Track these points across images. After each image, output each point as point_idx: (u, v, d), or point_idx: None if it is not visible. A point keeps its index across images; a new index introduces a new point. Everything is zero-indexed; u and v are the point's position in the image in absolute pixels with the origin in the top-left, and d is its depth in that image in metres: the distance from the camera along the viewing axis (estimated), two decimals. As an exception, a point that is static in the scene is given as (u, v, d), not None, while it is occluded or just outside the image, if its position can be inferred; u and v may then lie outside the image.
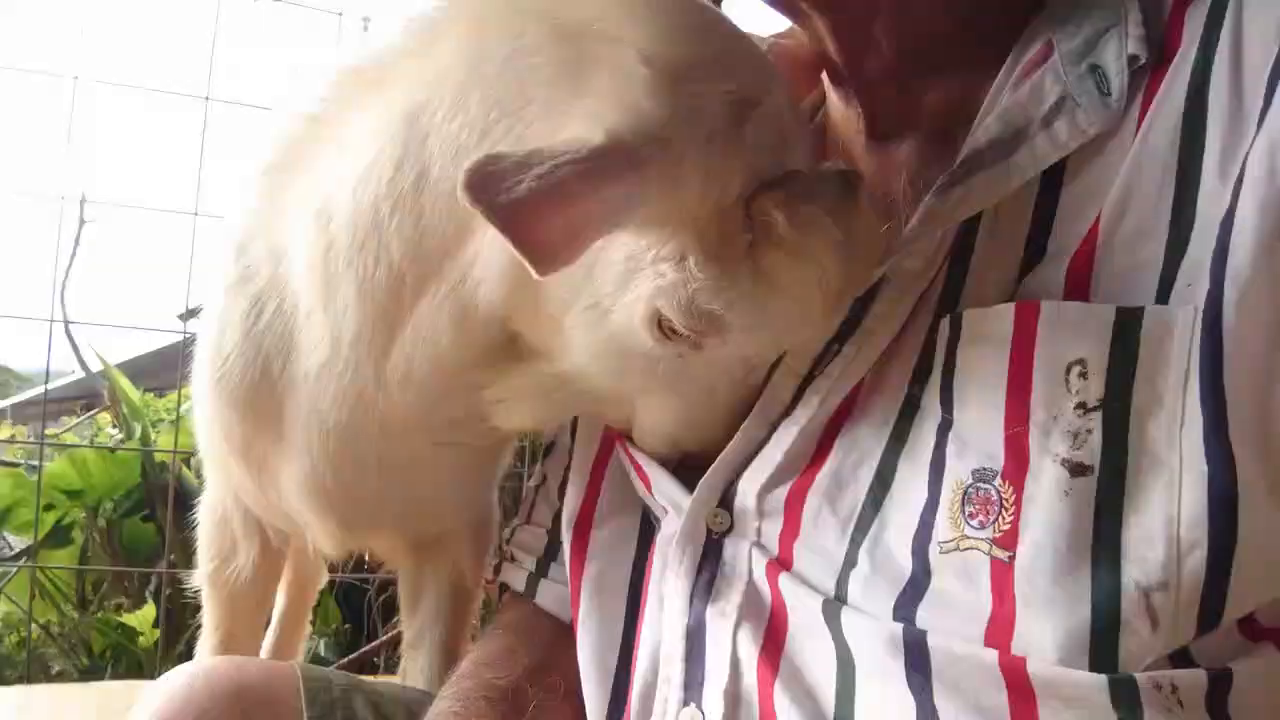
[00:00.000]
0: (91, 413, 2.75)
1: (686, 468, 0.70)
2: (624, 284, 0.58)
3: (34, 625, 2.34)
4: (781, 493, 0.62)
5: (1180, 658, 0.51)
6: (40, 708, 1.54)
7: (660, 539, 0.70)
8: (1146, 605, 0.49)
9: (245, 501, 0.92)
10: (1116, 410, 0.51)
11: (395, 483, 0.80)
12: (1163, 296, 0.52)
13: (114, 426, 2.84)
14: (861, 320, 0.62)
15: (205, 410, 0.83)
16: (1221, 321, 0.50)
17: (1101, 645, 0.49)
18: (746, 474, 0.64)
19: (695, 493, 0.66)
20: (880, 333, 0.62)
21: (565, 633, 0.76)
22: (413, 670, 0.99)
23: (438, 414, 0.74)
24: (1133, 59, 0.58)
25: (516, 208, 0.45)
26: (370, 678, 1.80)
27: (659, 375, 0.63)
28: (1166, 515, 0.49)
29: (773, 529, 0.63)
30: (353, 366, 0.71)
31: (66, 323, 1.84)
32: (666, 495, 0.69)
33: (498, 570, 0.89)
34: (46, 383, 1.87)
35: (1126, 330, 0.51)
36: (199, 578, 1.02)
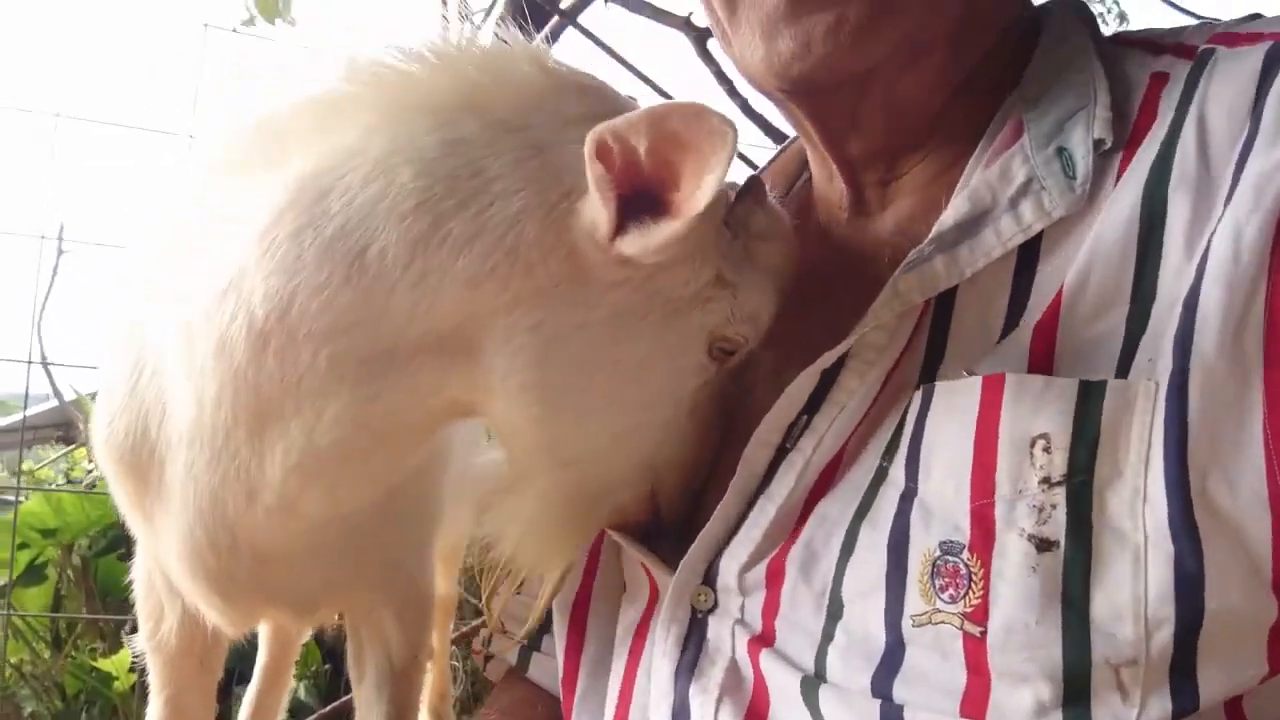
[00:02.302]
0: (69, 449, 2.70)
1: (674, 545, 0.69)
2: (665, 329, 0.61)
3: (6, 666, 2.30)
4: (761, 568, 0.62)
5: None
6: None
7: (652, 619, 0.68)
8: (1116, 679, 0.50)
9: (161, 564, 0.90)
10: (1080, 485, 0.51)
11: (270, 561, 0.76)
12: (1123, 368, 0.53)
13: (90, 461, 2.80)
14: (828, 393, 0.63)
15: (103, 466, 0.81)
16: (1187, 406, 0.50)
17: (1074, 716, 0.50)
18: (728, 551, 0.64)
19: (677, 573, 0.65)
20: (849, 405, 0.62)
21: (559, 717, 0.75)
22: None
23: (306, 503, 0.69)
24: (1098, 143, 0.58)
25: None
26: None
27: (680, 420, 0.66)
28: (1134, 593, 0.50)
29: (755, 605, 0.62)
30: (222, 433, 0.66)
31: (46, 364, 1.81)
32: (657, 576, 0.69)
33: (488, 642, 0.87)
34: (23, 425, 1.84)
35: (1089, 404, 0.52)
36: (139, 641, 1.00)
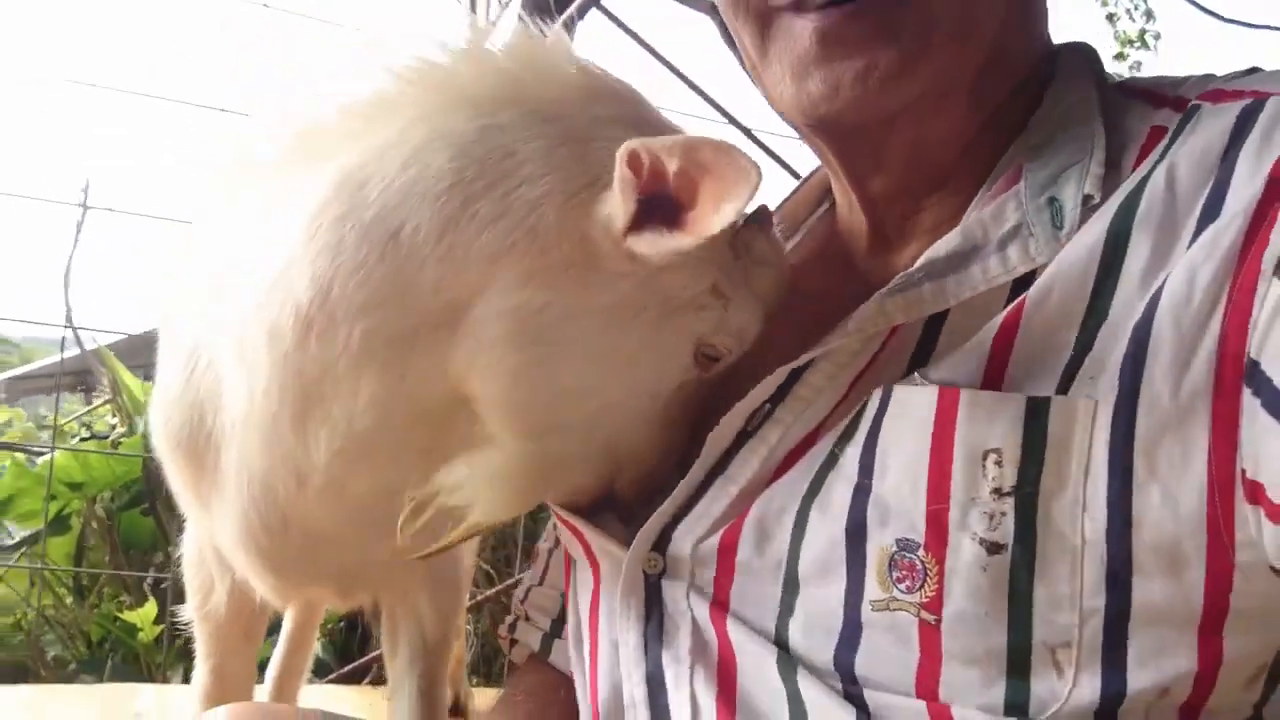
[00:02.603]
0: (93, 405, 2.76)
1: (619, 520, 0.73)
2: (659, 327, 0.65)
3: (32, 611, 2.38)
4: (714, 541, 0.66)
5: None
6: (44, 707, 1.58)
7: (602, 589, 0.73)
8: (1052, 658, 0.56)
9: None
10: (1027, 496, 0.56)
11: (318, 546, 0.81)
12: (1066, 382, 0.57)
13: (113, 416, 2.87)
14: (793, 388, 0.67)
15: (160, 451, 0.86)
16: (1135, 426, 0.54)
17: (1015, 690, 0.57)
18: (683, 525, 0.68)
19: (633, 545, 0.69)
20: (815, 402, 0.66)
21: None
22: (395, 717, 1.03)
23: (350, 482, 0.74)
24: (1087, 198, 0.62)
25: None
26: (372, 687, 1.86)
27: (654, 414, 0.70)
28: (1071, 589, 0.55)
29: (707, 574, 0.66)
30: (270, 417, 0.70)
31: (74, 328, 1.86)
32: (601, 548, 0.73)
33: (513, 628, 0.93)
34: (58, 391, 1.89)
35: (1035, 419, 0.57)
36: (187, 611, 1.05)
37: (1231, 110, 0.60)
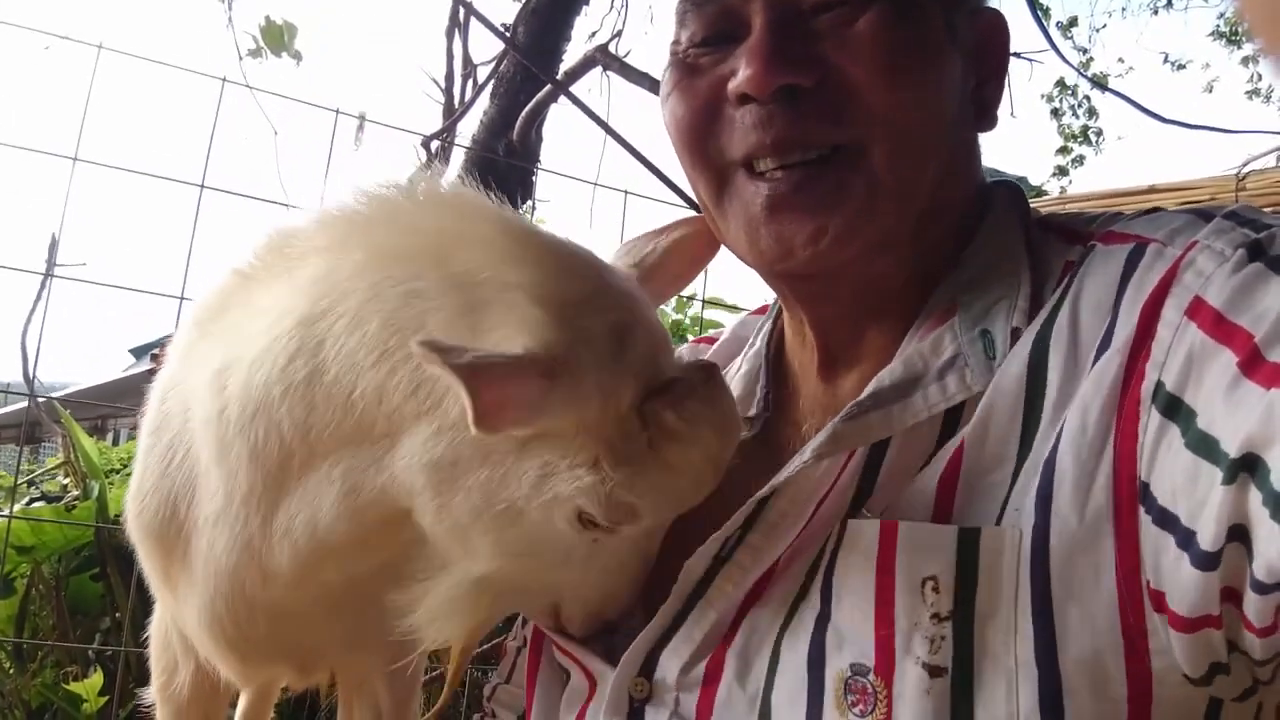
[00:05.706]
0: (47, 466, 2.73)
1: (605, 636, 0.77)
2: (539, 488, 0.65)
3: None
4: (700, 668, 0.70)
5: None
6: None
7: (590, 707, 0.76)
8: None
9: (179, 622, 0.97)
10: (963, 620, 0.60)
11: (283, 627, 0.85)
12: (1000, 514, 0.62)
13: (65, 476, 2.83)
14: (761, 513, 0.71)
15: (133, 537, 0.90)
16: (1049, 552, 0.59)
17: None
18: (670, 649, 0.71)
19: (618, 668, 0.72)
20: (780, 526, 0.69)
21: None
22: None
23: (315, 575, 0.79)
24: (1015, 330, 0.68)
25: (471, 369, 0.57)
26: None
27: (576, 561, 0.70)
28: (1009, 710, 0.58)
29: (691, 700, 0.69)
30: (242, 519, 0.77)
31: (33, 396, 1.85)
32: (591, 666, 0.77)
33: (478, 724, 0.96)
34: (20, 452, 1.87)
35: (966, 549, 0.61)
36: (151, 691, 1.07)
37: (1120, 254, 0.66)
